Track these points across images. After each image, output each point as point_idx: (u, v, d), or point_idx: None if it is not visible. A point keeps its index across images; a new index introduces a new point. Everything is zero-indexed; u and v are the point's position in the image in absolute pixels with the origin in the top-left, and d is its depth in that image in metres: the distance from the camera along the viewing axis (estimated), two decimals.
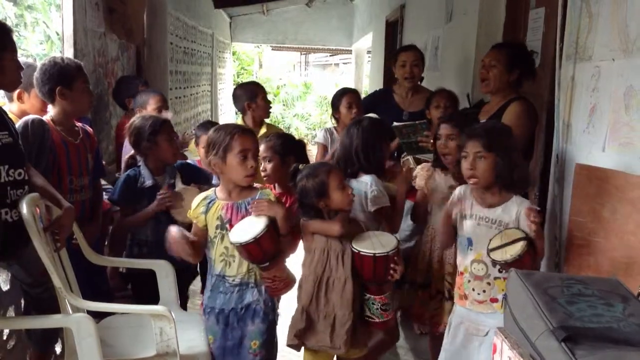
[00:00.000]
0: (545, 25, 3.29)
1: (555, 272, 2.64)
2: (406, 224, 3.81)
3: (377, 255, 2.31)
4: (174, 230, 2.36)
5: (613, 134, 2.36)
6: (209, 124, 3.64)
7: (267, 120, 3.99)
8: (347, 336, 2.36)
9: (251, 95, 3.82)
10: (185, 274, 3.12)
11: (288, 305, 2.76)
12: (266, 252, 2.27)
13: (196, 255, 2.44)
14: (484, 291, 2.38)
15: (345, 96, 3.82)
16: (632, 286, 1.74)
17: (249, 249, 2.25)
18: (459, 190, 2.53)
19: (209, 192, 2.50)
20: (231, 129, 2.42)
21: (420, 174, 2.94)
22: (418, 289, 2.93)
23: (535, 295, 1.57)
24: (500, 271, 2.33)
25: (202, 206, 2.45)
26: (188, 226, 2.52)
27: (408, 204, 3.67)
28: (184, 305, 3.17)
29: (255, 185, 2.50)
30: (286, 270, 2.41)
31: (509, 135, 2.42)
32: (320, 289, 2.42)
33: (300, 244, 2.57)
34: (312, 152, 4.71)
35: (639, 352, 1.36)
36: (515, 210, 2.34)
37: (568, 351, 1.37)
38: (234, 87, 4.16)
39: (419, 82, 4.10)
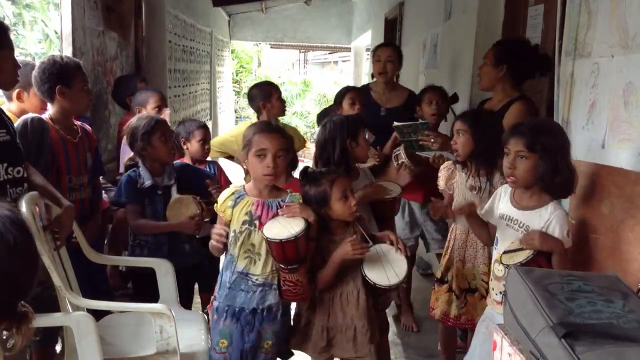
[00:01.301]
0: (544, 22, 3.30)
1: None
2: (404, 222, 3.82)
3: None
4: (217, 228, 2.38)
5: (612, 130, 2.35)
6: (190, 121, 3.67)
7: (280, 119, 4.01)
8: (370, 344, 2.39)
9: (266, 95, 3.84)
10: (191, 273, 3.13)
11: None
12: (300, 253, 2.23)
13: (223, 250, 2.43)
14: (501, 292, 2.31)
15: (348, 93, 3.85)
16: (631, 282, 1.75)
17: (286, 248, 2.19)
18: (498, 191, 2.49)
19: (237, 187, 2.46)
20: (256, 126, 2.40)
21: (441, 174, 2.94)
22: (435, 282, 2.94)
23: (535, 291, 1.57)
24: None
25: (230, 200, 2.40)
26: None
27: (402, 201, 3.70)
28: (189, 304, 3.18)
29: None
30: (308, 276, 2.34)
31: (555, 136, 2.26)
32: (335, 304, 2.41)
33: None
34: (311, 150, 4.70)
35: (639, 348, 1.37)
36: (547, 218, 2.24)
37: (568, 347, 1.38)
38: (249, 87, 4.16)
39: (394, 79, 4.19)
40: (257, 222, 2.34)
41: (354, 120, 2.85)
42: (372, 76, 4.28)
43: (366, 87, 4.28)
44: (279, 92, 3.95)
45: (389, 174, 3.38)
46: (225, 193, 2.45)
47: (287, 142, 2.37)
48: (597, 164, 2.40)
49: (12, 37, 2.29)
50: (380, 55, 4.02)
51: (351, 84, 11.73)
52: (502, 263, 2.24)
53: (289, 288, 2.32)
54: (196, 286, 3.47)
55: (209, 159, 3.76)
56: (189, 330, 2.58)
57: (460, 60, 4.43)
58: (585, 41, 2.58)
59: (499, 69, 3.03)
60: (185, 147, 3.61)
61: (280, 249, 2.21)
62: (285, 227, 2.23)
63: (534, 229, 2.22)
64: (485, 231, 2.57)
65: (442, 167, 2.98)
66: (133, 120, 3.05)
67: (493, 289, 2.39)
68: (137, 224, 2.93)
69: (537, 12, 3.39)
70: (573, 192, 2.29)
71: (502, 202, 2.43)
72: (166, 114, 3.77)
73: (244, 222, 2.37)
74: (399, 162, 3.26)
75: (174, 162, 3.16)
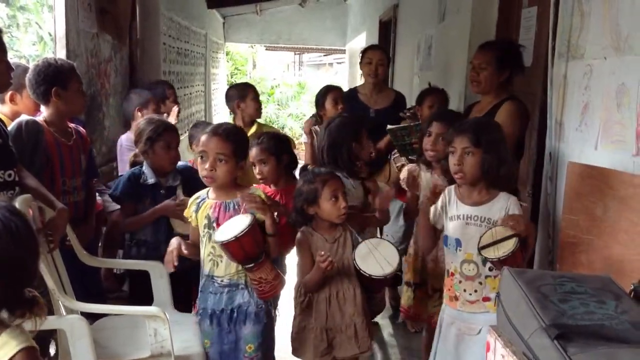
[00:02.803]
0: (537, 24, 3.30)
1: (548, 270, 2.65)
2: (398, 224, 3.82)
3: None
4: (173, 241, 2.39)
5: (605, 132, 2.37)
6: (204, 124, 3.66)
7: (259, 120, 4.01)
8: (369, 336, 2.45)
9: (241, 95, 3.86)
10: (189, 276, 3.12)
11: (289, 305, 2.78)
12: (248, 252, 2.23)
13: (198, 255, 2.45)
14: (476, 291, 2.37)
15: (330, 93, 3.90)
16: (624, 284, 1.75)
17: (230, 248, 2.21)
18: (442, 196, 2.51)
19: (203, 191, 2.48)
20: (203, 127, 2.52)
21: (407, 175, 2.94)
22: (415, 289, 2.93)
23: (528, 293, 1.57)
24: (490, 269, 2.32)
25: (194, 205, 2.44)
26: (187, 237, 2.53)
27: (399, 204, 3.70)
28: (189, 306, 3.18)
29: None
30: (274, 272, 2.34)
31: (496, 131, 2.38)
32: (332, 305, 2.44)
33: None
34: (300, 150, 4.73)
35: (631, 349, 1.37)
36: (504, 207, 2.31)
37: (560, 349, 1.38)
38: (227, 87, 4.20)
39: (382, 82, 4.23)
40: (214, 225, 2.36)
41: (356, 122, 2.88)
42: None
43: (353, 90, 4.31)
44: (255, 93, 3.97)
45: (384, 174, 3.39)
46: (192, 199, 2.48)
47: (232, 147, 2.32)
48: (590, 165, 2.41)
49: (6, 39, 2.29)
50: (372, 58, 4.04)
51: (346, 85, 11.75)
52: (486, 258, 2.24)
53: (256, 286, 2.35)
54: None
55: None
56: (184, 333, 2.57)
57: (455, 61, 4.44)
58: (578, 43, 2.59)
59: (502, 74, 3.02)
60: (195, 149, 3.63)
61: (227, 251, 2.24)
62: (234, 227, 2.23)
63: (510, 215, 2.27)
64: (433, 235, 2.57)
65: (405, 168, 3.00)
66: (142, 122, 3.08)
67: (465, 290, 2.40)
68: (125, 222, 2.94)
69: (531, 14, 3.40)
70: (514, 185, 2.40)
71: (451, 205, 2.45)
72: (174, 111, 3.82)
73: (204, 226, 2.40)
74: (399, 165, 3.27)
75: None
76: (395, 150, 3.40)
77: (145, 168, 2.97)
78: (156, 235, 2.94)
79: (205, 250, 2.41)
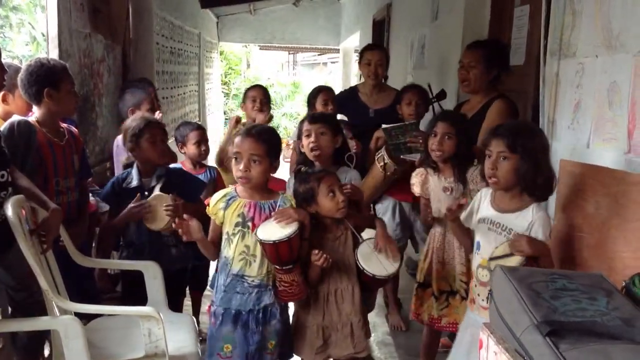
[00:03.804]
0: (529, 22, 3.32)
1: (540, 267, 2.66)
2: (395, 222, 3.83)
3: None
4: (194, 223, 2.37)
5: (597, 130, 2.38)
6: (189, 125, 3.74)
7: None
8: (367, 338, 2.47)
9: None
10: (181, 275, 3.12)
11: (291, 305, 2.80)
12: (293, 253, 2.26)
13: (216, 254, 2.45)
14: (488, 297, 2.32)
15: (321, 94, 3.93)
16: (617, 281, 1.76)
17: (280, 249, 2.22)
18: (478, 195, 2.49)
19: (229, 189, 2.48)
20: (243, 129, 2.44)
21: (415, 180, 2.94)
22: (418, 288, 2.94)
23: (519, 290, 1.58)
24: None
25: (222, 202, 2.41)
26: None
27: (392, 202, 3.71)
28: (179, 306, 3.18)
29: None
30: (303, 275, 2.36)
31: (535, 137, 2.29)
32: (330, 303, 2.45)
33: None
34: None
35: (622, 345, 1.38)
36: (530, 220, 2.24)
37: (552, 345, 1.39)
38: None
39: (383, 81, 4.21)
40: (249, 224, 2.36)
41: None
42: (360, 77, 4.30)
43: (354, 89, 4.29)
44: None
45: (373, 173, 3.39)
46: (217, 196, 2.46)
47: (266, 148, 2.35)
48: (582, 163, 2.42)
49: None
50: (371, 58, 4.03)
51: (340, 85, 11.75)
52: (490, 270, 2.22)
53: (285, 288, 2.34)
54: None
55: (211, 164, 3.78)
56: (178, 333, 2.57)
57: (448, 60, 4.45)
58: (570, 41, 2.60)
59: (490, 72, 3.04)
60: (182, 151, 3.64)
61: (274, 250, 2.24)
62: (279, 228, 2.26)
63: (521, 234, 2.21)
64: (468, 236, 2.57)
65: (414, 173, 2.98)
66: (128, 121, 3.10)
67: (479, 294, 2.38)
68: (104, 227, 2.99)
69: (523, 12, 3.41)
70: (552, 193, 2.32)
71: (482, 206, 2.43)
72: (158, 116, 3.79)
73: (236, 224, 2.38)
74: (382, 163, 3.27)
75: (173, 165, 3.17)
76: (379, 150, 3.40)
77: (134, 169, 2.98)
78: (140, 237, 2.94)
79: (235, 249, 2.37)
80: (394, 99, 4.04)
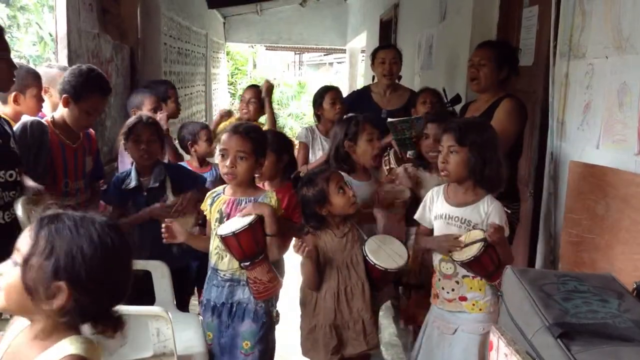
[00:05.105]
0: (539, 23, 3.30)
1: (550, 269, 2.65)
2: None
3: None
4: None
5: (607, 131, 2.37)
6: (191, 125, 3.85)
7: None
8: (377, 332, 2.49)
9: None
10: (187, 274, 3.13)
11: (289, 306, 2.79)
12: (245, 249, 2.27)
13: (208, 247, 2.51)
14: (453, 290, 2.41)
15: (328, 93, 3.91)
16: (627, 282, 1.75)
17: (228, 243, 2.27)
18: (430, 193, 2.54)
19: (220, 187, 2.54)
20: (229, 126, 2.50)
21: (403, 175, 2.94)
22: (411, 290, 2.93)
23: (531, 292, 1.58)
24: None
25: (209, 199, 2.51)
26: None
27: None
28: (185, 305, 3.18)
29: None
30: (270, 274, 2.36)
31: (485, 131, 2.38)
32: (340, 301, 2.45)
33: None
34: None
35: (634, 347, 1.37)
36: (486, 211, 2.34)
37: (564, 347, 1.38)
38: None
39: (397, 80, 4.18)
40: (225, 220, 2.41)
41: (355, 123, 2.89)
42: (373, 78, 4.28)
43: (367, 89, 4.27)
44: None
45: (382, 174, 3.38)
46: (209, 193, 2.54)
47: (252, 145, 2.38)
48: (592, 164, 2.41)
49: (7, 39, 2.29)
50: (385, 57, 4.03)
51: (347, 85, 11.73)
52: (454, 260, 2.30)
53: (251, 285, 2.38)
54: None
55: (216, 161, 3.79)
56: (186, 333, 2.57)
57: (456, 61, 4.44)
58: (579, 42, 2.59)
59: (501, 71, 3.03)
60: (192, 149, 3.65)
61: (225, 245, 2.30)
62: (236, 224, 2.28)
63: (497, 223, 2.27)
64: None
65: (401, 168, 3.01)
66: (128, 121, 3.11)
67: (443, 288, 2.43)
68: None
69: (532, 13, 3.40)
70: (502, 186, 2.39)
71: (436, 204, 2.48)
72: (161, 117, 3.79)
73: (216, 220, 2.45)
74: (389, 167, 3.27)
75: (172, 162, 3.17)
76: (386, 152, 3.38)
77: (132, 170, 2.99)
78: (141, 237, 2.94)
79: (213, 244, 2.46)
80: (407, 98, 4.03)
